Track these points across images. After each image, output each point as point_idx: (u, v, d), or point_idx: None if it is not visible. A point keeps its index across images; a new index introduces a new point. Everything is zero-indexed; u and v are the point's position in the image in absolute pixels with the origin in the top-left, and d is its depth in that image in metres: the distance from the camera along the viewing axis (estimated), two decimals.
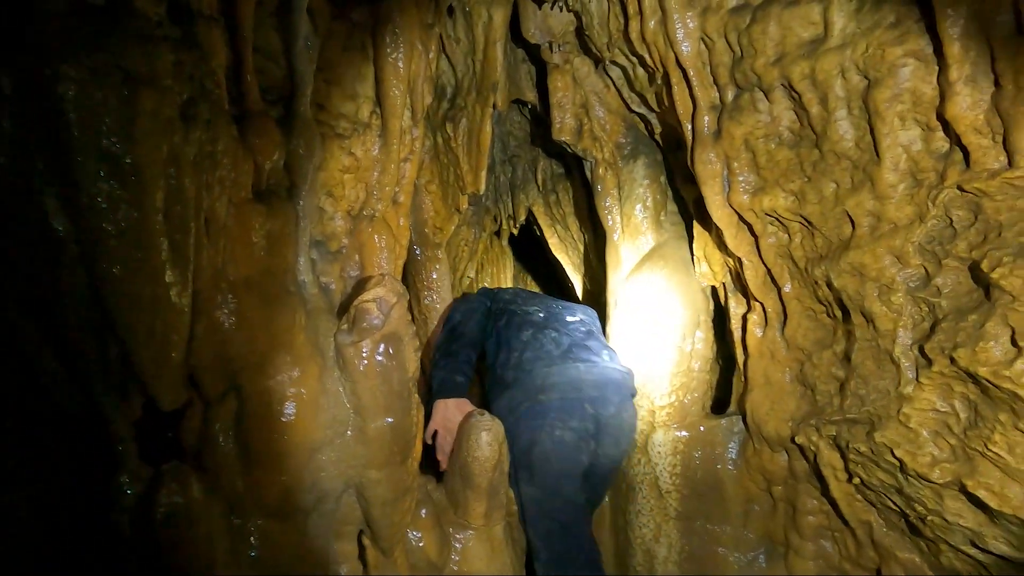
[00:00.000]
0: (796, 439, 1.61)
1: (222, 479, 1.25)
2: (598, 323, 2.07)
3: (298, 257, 1.38)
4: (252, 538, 1.27)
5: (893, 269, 1.29)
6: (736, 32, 1.44)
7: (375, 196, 1.62)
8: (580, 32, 1.92)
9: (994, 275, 1.09)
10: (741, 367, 1.80)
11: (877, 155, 1.27)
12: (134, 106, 1.00)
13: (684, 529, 1.86)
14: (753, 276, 1.65)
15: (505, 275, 3.76)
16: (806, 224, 1.47)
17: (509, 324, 1.89)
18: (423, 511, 1.47)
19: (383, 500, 1.35)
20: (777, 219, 1.53)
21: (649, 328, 1.95)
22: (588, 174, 2.20)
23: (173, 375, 1.16)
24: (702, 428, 1.86)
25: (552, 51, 2.01)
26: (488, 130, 2.12)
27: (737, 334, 1.80)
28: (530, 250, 3.66)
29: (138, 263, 1.04)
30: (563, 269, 3.03)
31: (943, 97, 1.14)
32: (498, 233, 3.36)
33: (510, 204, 2.96)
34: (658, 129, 1.97)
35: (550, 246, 2.97)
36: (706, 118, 1.58)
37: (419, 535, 1.46)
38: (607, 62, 1.91)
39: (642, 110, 1.96)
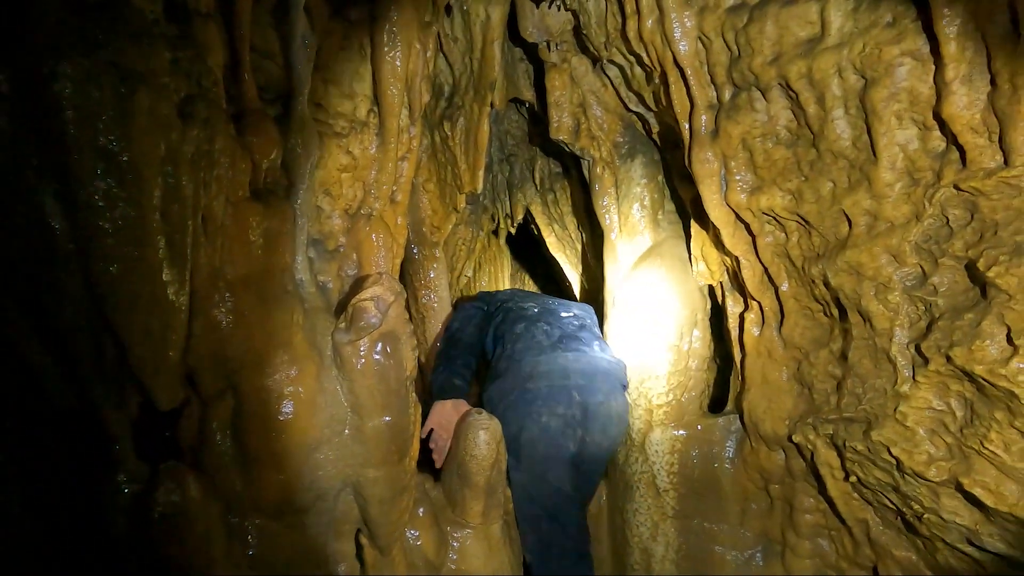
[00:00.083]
0: (793, 438, 1.62)
1: (219, 478, 1.24)
2: (595, 319, 2.07)
3: (296, 256, 1.38)
4: (250, 537, 1.27)
5: (890, 268, 1.30)
6: (733, 31, 1.44)
7: (373, 195, 1.62)
8: (578, 31, 1.92)
9: (990, 274, 1.10)
10: (738, 366, 1.81)
11: (874, 154, 1.27)
12: (131, 104, 1.00)
13: (681, 528, 1.87)
14: (750, 275, 1.66)
15: (503, 274, 3.74)
16: (803, 223, 1.47)
17: (505, 320, 1.93)
18: (421, 510, 1.48)
19: (381, 499, 1.35)
20: (774, 218, 1.53)
21: (647, 327, 1.95)
22: (586, 173, 2.20)
23: (170, 374, 1.15)
24: (699, 427, 1.86)
25: (550, 50, 2.02)
26: (486, 129, 2.12)
27: (734, 333, 1.80)
28: (528, 249, 3.65)
29: (135, 261, 1.04)
30: (561, 268, 3.03)
31: (940, 96, 1.14)
32: (496, 232, 3.35)
33: (508, 203, 2.95)
34: (656, 128, 1.97)
35: (548, 245, 2.97)
36: (703, 117, 1.58)
37: (417, 534, 1.47)
38: (605, 61, 1.91)
39: (640, 109, 1.96)
